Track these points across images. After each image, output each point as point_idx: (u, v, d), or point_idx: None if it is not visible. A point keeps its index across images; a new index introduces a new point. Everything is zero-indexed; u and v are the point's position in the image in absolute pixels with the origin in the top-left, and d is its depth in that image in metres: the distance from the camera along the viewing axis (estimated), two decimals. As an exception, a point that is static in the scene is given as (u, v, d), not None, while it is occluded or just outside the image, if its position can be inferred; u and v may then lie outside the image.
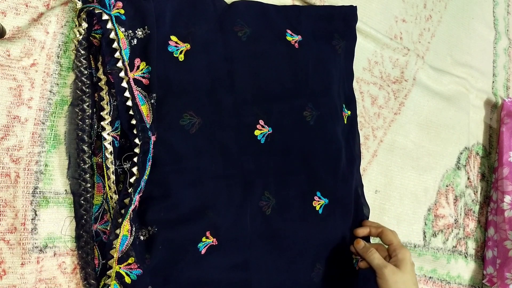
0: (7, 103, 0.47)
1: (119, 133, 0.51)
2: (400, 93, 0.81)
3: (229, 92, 0.59)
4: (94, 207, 0.51)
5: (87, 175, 0.50)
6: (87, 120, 0.50)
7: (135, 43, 0.51)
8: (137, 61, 0.51)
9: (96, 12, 0.49)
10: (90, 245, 0.50)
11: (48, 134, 0.49)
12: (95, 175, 0.51)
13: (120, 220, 0.48)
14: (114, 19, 0.49)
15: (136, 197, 0.49)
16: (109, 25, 0.49)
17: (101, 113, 0.50)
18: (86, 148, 0.50)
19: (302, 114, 0.64)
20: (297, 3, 0.70)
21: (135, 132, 0.50)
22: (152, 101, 0.51)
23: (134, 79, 0.50)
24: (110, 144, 0.50)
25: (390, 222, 0.77)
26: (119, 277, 0.48)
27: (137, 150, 0.50)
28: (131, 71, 0.50)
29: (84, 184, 0.50)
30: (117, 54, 0.49)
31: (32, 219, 0.48)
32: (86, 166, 0.50)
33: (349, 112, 0.72)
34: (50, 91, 0.50)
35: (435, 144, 0.86)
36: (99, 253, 0.50)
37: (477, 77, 0.98)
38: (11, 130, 0.47)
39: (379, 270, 0.59)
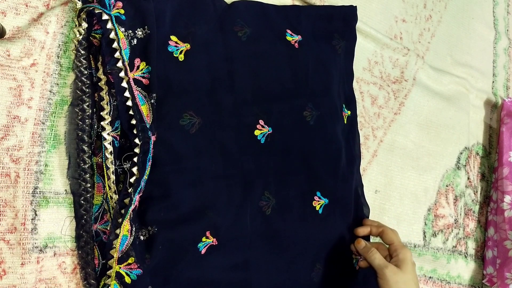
0: (7, 103, 0.47)
1: (119, 133, 0.51)
2: (400, 93, 0.81)
3: (229, 92, 0.59)
4: (94, 207, 0.51)
5: (87, 175, 0.50)
6: (87, 120, 0.50)
7: (135, 43, 0.51)
8: (137, 61, 0.51)
9: (96, 12, 0.49)
10: (90, 245, 0.50)
11: (48, 134, 0.49)
12: (95, 175, 0.51)
13: (120, 220, 0.48)
14: (114, 19, 0.49)
15: (136, 197, 0.49)
16: (109, 25, 0.49)
17: (101, 113, 0.50)
18: (86, 148, 0.50)
19: (302, 114, 0.64)
20: (297, 3, 0.70)
21: (135, 132, 0.50)
22: (152, 101, 0.51)
23: (134, 79, 0.50)
24: (110, 144, 0.50)
25: (390, 222, 0.77)
26: (119, 277, 0.48)
27: (137, 150, 0.50)
28: (131, 71, 0.50)
29: (84, 184, 0.50)
30: (117, 54, 0.49)
31: (32, 219, 0.48)
32: (86, 166, 0.50)
33: (349, 112, 0.72)
34: (50, 91, 0.50)
35: (435, 144, 0.86)
36: (99, 253, 0.50)
37: (477, 77, 0.98)
38: (11, 130, 0.47)
39: (380, 271, 0.59)
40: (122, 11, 0.50)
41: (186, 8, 0.57)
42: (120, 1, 0.50)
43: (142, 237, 0.51)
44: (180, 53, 0.55)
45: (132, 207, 0.49)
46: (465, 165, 0.92)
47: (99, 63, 0.51)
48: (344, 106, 0.71)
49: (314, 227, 0.64)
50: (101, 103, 0.51)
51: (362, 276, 0.69)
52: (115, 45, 0.49)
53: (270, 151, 0.61)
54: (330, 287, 0.66)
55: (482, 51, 1.01)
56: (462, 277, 0.89)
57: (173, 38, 0.55)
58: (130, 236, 0.49)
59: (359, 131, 0.74)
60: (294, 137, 0.63)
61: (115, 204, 0.50)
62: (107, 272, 0.48)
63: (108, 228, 0.50)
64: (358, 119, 0.74)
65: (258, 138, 0.61)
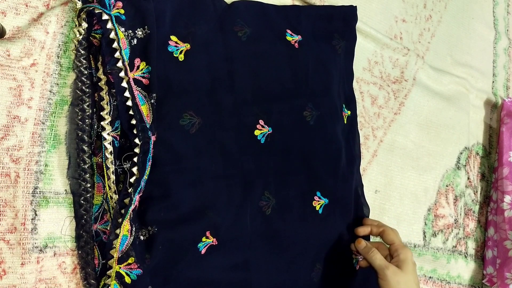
0: (7, 103, 0.47)
1: (119, 133, 0.51)
2: (400, 93, 0.81)
3: (229, 92, 0.59)
4: (94, 207, 0.51)
5: (87, 175, 0.50)
6: (87, 120, 0.50)
7: (135, 43, 0.51)
8: (137, 61, 0.51)
9: (96, 12, 0.49)
10: (90, 245, 0.50)
11: (48, 134, 0.49)
12: (95, 175, 0.51)
13: (120, 220, 0.48)
14: (114, 19, 0.49)
15: (136, 197, 0.49)
16: (109, 25, 0.49)
17: (101, 113, 0.50)
18: (86, 148, 0.50)
19: (302, 114, 0.64)
20: (297, 3, 0.70)
21: (135, 132, 0.50)
22: (152, 101, 0.51)
23: (134, 79, 0.50)
24: (110, 144, 0.50)
25: (390, 222, 0.77)
26: (119, 277, 0.48)
27: (137, 150, 0.50)
28: (131, 71, 0.50)
29: (84, 184, 0.50)
30: (117, 54, 0.49)
31: (32, 219, 0.48)
32: (86, 166, 0.50)
33: (349, 112, 0.72)
34: (50, 91, 0.50)
35: (435, 144, 0.86)
36: (99, 253, 0.50)
37: (477, 77, 0.98)
38: (11, 130, 0.47)
39: (381, 271, 0.59)
40: (122, 11, 0.50)
41: (186, 8, 0.57)
42: (120, 1, 0.50)
43: (142, 237, 0.51)
44: (180, 53, 0.55)
45: (132, 207, 0.49)
46: (465, 165, 0.92)
47: (99, 63, 0.51)
48: (344, 106, 0.71)
49: (314, 227, 0.64)
50: (101, 103, 0.51)
51: (362, 276, 0.69)
52: (115, 45, 0.49)
53: (270, 151, 0.61)
54: (330, 287, 0.66)
55: (482, 51, 1.01)
56: (462, 277, 0.89)
57: (173, 38, 0.55)
58: (130, 236, 0.49)
59: (359, 131, 0.74)
60: (294, 137, 0.63)
61: (115, 204, 0.50)
62: (107, 272, 0.48)
63: (108, 228, 0.50)
64: (358, 119, 0.74)
65: (258, 138, 0.61)
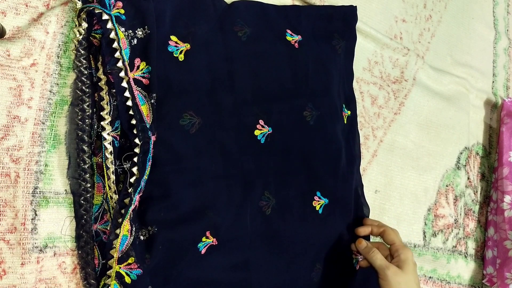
0: (7, 103, 0.47)
1: (119, 133, 0.51)
2: (400, 93, 0.81)
3: (229, 92, 0.59)
4: (94, 207, 0.51)
5: (87, 175, 0.50)
6: (87, 120, 0.50)
7: (135, 43, 0.51)
8: (137, 61, 0.51)
9: (96, 12, 0.49)
10: (90, 245, 0.50)
11: (48, 134, 0.49)
12: (95, 175, 0.51)
13: (120, 220, 0.48)
14: (114, 19, 0.49)
15: (136, 197, 0.49)
16: (109, 25, 0.49)
17: (101, 113, 0.50)
18: (86, 148, 0.50)
19: (302, 114, 0.64)
20: (297, 3, 0.70)
21: (135, 132, 0.50)
22: (152, 101, 0.51)
23: (134, 79, 0.50)
24: (110, 144, 0.50)
25: (390, 222, 0.77)
26: (119, 277, 0.48)
27: (137, 150, 0.50)
28: (131, 71, 0.50)
29: (84, 184, 0.50)
30: (117, 54, 0.49)
31: (32, 219, 0.48)
32: (86, 166, 0.50)
33: (349, 112, 0.72)
34: (50, 91, 0.50)
35: (435, 144, 0.86)
36: (99, 253, 0.50)
37: (477, 77, 0.98)
38: (11, 130, 0.47)
39: (382, 271, 0.59)
40: (122, 11, 0.50)
41: (186, 8, 0.57)
42: (120, 1, 0.50)
43: (142, 237, 0.51)
44: (180, 53, 0.55)
45: (132, 207, 0.49)
46: (465, 165, 0.92)
47: (99, 63, 0.51)
48: (344, 106, 0.71)
49: (314, 227, 0.64)
50: (101, 103, 0.51)
51: (362, 276, 0.69)
52: (115, 45, 0.49)
53: (270, 151, 0.61)
54: (330, 287, 0.66)
55: (482, 51, 1.01)
56: (462, 277, 0.89)
57: (173, 38, 0.55)
58: (130, 236, 0.49)
59: (359, 131, 0.74)
60: (294, 137, 0.63)
61: (115, 204, 0.50)
62: (107, 272, 0.48)
63: (108, 228, 0.50)
64: (358, 119, 0.74)
65: (258, 138, 0.61)
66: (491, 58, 1.03)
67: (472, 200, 0.93)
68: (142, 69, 0.51)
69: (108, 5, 0.49)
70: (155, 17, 0.52)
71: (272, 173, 0.61)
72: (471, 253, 0.92)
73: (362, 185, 0.73)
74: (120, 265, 0.48)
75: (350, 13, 0.72)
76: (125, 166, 0.51)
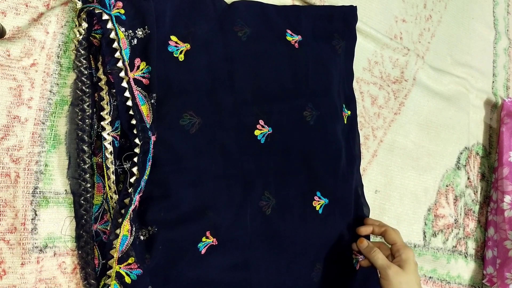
0: (7, 103, 0.47)
1: (119, 133, 0.51)
2: (400, 93, 0.81)
3: (229, 92, 0.59)
4: (94, 207, 0.51)
5: (87, 175, 0.50)
6: (87, 120, 0.50)
7: (135, 43, 0.51)
8: (137, 61, 0.51)
9: (96, 12, 0.49)
10: (90, 245, 0.50)
11: (48, 134, 0.49)
12: (95, 175, 0.51)
13: (120, 220, 0.48)
14: (114, 19, 0.49)
15: (136, 197, 0.49)
16: (109, 25, 0.49)
17: (101, 113, 0.50)
18: (86, 148, 0.50)
19: (302, 114, 0.64)
20: (297, 3, 0.70)
21: (135, 132, 0.50)
22: (152, 101, 0.51)
23: (134, 79, 0.50)
24: (110, 144, 0.50)
25: (390, 222, 0.77)
26: (119, 277, 0.48)
27: (137, 150, 0.50)
28: (131, 71, 0.50)
29: (84, 184, 0.50)
30: (117, 54, 0.49)
31: (32, 219, 0.48)
32: (86, 166, 0.50)
33: (349, 112, 0.72)
34: (50, 91, 0.50)
35: (435, 144, 0.86)
36: (99, 253, 0.50)
37: (477, 77, 0.98)
38: (11, 130, 0.47)
39: (383, 271, 0.59)
40: (122, 11, 0.50)
41: (186, 8, 0.57)
42: (120, 1, 0.50)
43: (142, 237, 0.51)
44: (180, 53, 0.55)
45: (132, 207, 0.49)
46: (465, 165, 0.92)
47: (99, 63, 0.51)
48: (344, 106, 0.71)
49: (314, 227, 0.64)
50: (101, 103, 0.51)
51: (362, 276, 0.69)
52: (115, 45, 0.49)
53: (270, 151, 0.61)
54: (330, 287, 0.66)
55: (482, 51, 1.01)
56: (462, 277, 0.89)
57: (173, 38, 0.55)
58: (130, 236, 0.49)
59: (359, 131, 0.74)
60: (294, 137, 0.63)
61: (115, 204, 0.50)
62: (107, 272, 0.48)
63: (108, 228, 0.50)
64: (358, 119, 0.74)
65: (258, 138, 0.61)
66: (491, 58, 1.03)
67: (472, 200, 0.93)
68: (142, 69, 0.51)
69: (108, 5, 0.49)
70: (155, 17, 0.52)
71: (272, 173, 0.61)
72: (471, 253, 0.92)
73: (362, 185, 0.73)
74: (120, 265, 0.48)
75: (350, 13, 0.72)
76: (125, 166, 0.51)
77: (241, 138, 0.59)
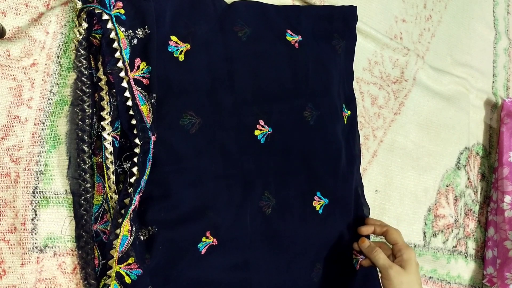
0: (7, 103, 0.47)
1: (119, 133, 0.51)
2: (400, 93, 0.81)
3: (229, 92, 0.59)
4: (94, 207, 0.51)
5: (87, 175, 0.50)
6: (87, 120, 0.50)
7: (135, 43, 0.51)
8: (137, 61, 0.51)
9: (96, 12, 0.49)
10: (90, 245, 0.50)
11: (48, 134, 0.49)
12: (95, 175, 0.51)
13: (120, 220, 0.48)
14: (114, 19, 0.49)
15: (136, 197, 0.49)
16: (109, 25, 0.49)
17: (101, 113, 0.50)
18: (86, 148, 0.50)
19: (302, 114, 0.64)
20: (297, 3, 0.70)
21: (135, 132, 0.50)
22: (152, 101, 0.51)
23: (134, 79, 0.50)
24: (110, 144, 0.50)
25: (390, 222, 0.77)
26: (119, 277, 0.48)
27: (137, 150, 0.50)
28: (131, 71, 0.50)
29: (84, 184, 0.50)
30: (117, 54, 0.49)
31: (32, 219, 0.48)
32: (86, 166, 0.50)
33: (349, 112, 0.72)
34: (50, 91, 0.50)
35: (435, 144, 0.86)
36: (99, 253, 0.50)
37: (477, 77, 0.98)
38: (11, 130, 0.47)
39: (385, 271, 0.59)
40: (122, 11, 0.50)
41: (186, 8, 0.57)
42: (120, 1, 0.50)
43: (142, 237, 0.51)
44: (180, 53, 0.55)
45: (132, 207, 0.49)
46: (465, 165, 0.92)
47: (99, 63, 0.51)
48: (344, 106, 0.71)
49: (314, 227, 0.64)
50: (101, 103, 0.51)
51: (362, 276, 0.69)
52: (115, 45, 0.49)
53: (270, 151, 0.61)
54: (330, 287, 0.66)
55: (482, 51, 1.01)
56: (462, 277, 0.89)
57: (173, 38, 0.55)
58: (130, 236, 0.49)
59: (359, 131, 0.74)
60: (294, 137, 0.63)
61: (115, 204, 0.50)
62: (107, 272, 0.48)
63: (108, 228, 0.50)
64: (358, 119, 0.74)
65: (258, 138, 0.61)
66: (491, 58, 1.03)
67: (472, 200, 0.93)
68: (142, 69, 0.51)
69: (108, 5, 0.49)
70: (155, 17, 0.52)
71: (272, 173, 0.61)
72: (471, 253, 0.92)
73: (362, 185, 0.73)
74: (120, 265, 0.48)
75: (350, 13, 0.72)
76: (125, 166, 0.51)
77: (241, 138, 0.59)
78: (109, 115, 0.51)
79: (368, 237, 0.69)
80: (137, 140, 0.50)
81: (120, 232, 0.48)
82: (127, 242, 0.49)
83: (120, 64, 0.49)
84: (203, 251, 0.54)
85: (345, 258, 0.68)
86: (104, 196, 0.51)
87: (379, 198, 0.77)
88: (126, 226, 0.48)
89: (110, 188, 0.50)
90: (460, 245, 0.89)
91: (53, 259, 0.49)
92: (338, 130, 0.68)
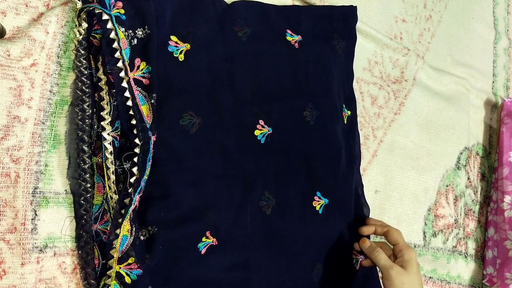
0: (7, 103, 0.47)
1: (119, 133, 0.51)
2: (400, 93, 0.81)
3: (229, 92, 0.59)
4: (94, 207, 0.51)
5: (87, 175, 0.50)
6: (87, 120, 0.50)
7: (135, 43, 0.51)
8: (137, 61, 0.51)
9: (96, 12, 0.49)
10: (90, 245, 0.50)
11: (48, 134, 0.49)
12: (95, 175, 0.51)
13: (120, 220, 0.48)
14: (114, 19, 0.49)
15: (136, 197, 0.49)
16: (109, 25, 0.49)
17: (101, 113, 0.50)
18: (86, 148, 0.50)
19: (302, 114, 0.64)
20: (297, 3, 0.70)
21: (135, 132, 0.50)
22: (152, 101, 0.51)
23: (134, 79, 0.50)
24: (110, 144, 0.50)
25: (390, 222, 0.77)
26: (119, 277, 0.48)
27: (137, 150, 0.50)
28: (131, 71, 0.50)
29: (84, 184, 0.50)
30: (117, 54, 0.49)
31: (32, 219, 0.48)
32: (86, 166, 0.50)
33: (349, 112, 0.72)
34: (50, 91, 0.50)
35: (435, 144, 0.86)
36: (99, 253, 0.50)
37: (477, 77, 0.98)
38: (11, 130, 0.47)
39: (386, 271, 0.59)
40: (122, 11, 0.50)
41: (186, 8, 0.57)
42: (120, 1, 0.50)
43: (142, 237, 0.51)
44: (180, 53, 0.55)
45: (132, 207, 0.49)
46: (465, 165, 0.92)
47: (99, 63, 0.51)
48: (344, 106, 0.71)
49: (314, 227, 0.64)
50: (101, 103, 0.51)
51: (362, 276, 0.69)
52: (115, 45, 0.49)
53: (270, 151, 0.61)
54: (330, 287, 0.66)
55: (482, 51, 1.01)
56: (462, 277, 0.89)
57: (173, 38, 0.55)
58: (130, 236, 0.49)
59: (359, 131, 0.74)
60: (294, 137, 0.63)
61: (115, 204, 0.50)
62: (107, 272, 0.48)
63: (108, 228, 0.50)
64: (358, 119, 0.74)
65: (258, 138, 0.61)
66: (491, 58, 1.03)
67: (472, 200, 0.93)
68: (142, 69, 0.51)
69: (108, 5, 0.49)
70: (155, 17, 0.52)
71: (272, 173, 0.61)
72: (471, 253, 0.92)
73: (362, 185, 0.73)
74: (120, 265, 0.48)
75: (350, 13, 0.72)
76: (125, 166, 0.51)
77: (241, 138, 0.59)
78: (109, 115, 0.51)
79: (368, 237, 0.69)
80: (137, 140, 0.50)
81: (120, 232, 0.48)
82: (127, 242, 0.49)
83: (120, 64, 0.49)
84: (203, 251, 0.54)
85: (345, 258, 0.68)
86: (104, 196, 0.51)
87: (379, 198, 0.77)
88: (126, 226, 0.48)
89: (110, 188, 0.50)
90: (460, 245, 0.89)
91: (53, 259, 0.49)
92: (338, 130, 0.68)
